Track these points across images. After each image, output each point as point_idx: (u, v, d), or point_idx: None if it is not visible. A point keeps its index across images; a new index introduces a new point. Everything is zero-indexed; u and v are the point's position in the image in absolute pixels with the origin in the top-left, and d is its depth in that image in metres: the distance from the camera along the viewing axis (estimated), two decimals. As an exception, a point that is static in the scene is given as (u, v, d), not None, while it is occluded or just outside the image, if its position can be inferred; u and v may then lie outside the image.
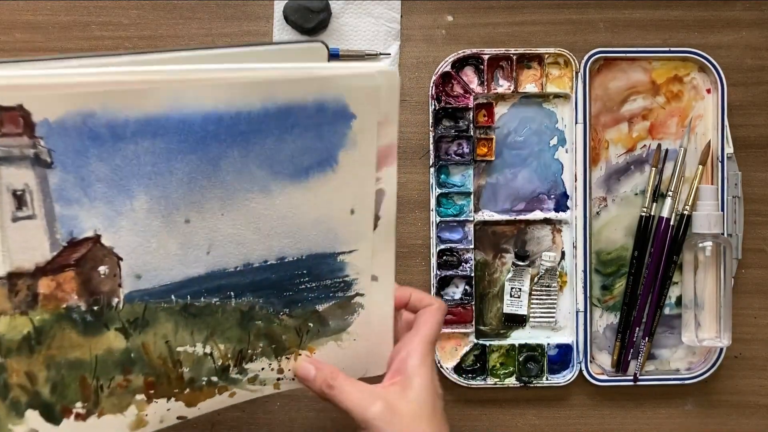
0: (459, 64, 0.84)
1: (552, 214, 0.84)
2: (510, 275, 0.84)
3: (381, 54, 0.85)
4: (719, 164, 0.82)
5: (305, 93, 0.60)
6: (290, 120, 0.61)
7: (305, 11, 0.83)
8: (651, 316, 0.84)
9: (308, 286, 0.69)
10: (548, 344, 0.84)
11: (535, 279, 0.84)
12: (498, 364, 0.84)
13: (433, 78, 0.83)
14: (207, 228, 0.62)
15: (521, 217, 0.85)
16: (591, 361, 0.84)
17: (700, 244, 0.81)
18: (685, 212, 0.82)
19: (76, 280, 0.59)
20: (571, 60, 0.83)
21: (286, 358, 0.69)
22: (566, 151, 0.85)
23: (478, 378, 0.84)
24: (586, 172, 0.83)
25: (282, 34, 0.85)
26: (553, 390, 0.84)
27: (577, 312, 0.84)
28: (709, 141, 0.83)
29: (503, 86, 0.84)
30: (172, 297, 0.63)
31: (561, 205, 0.85)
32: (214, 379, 0.67)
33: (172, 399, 0.66)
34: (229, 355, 0.67)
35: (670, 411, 0.86)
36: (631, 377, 0.84)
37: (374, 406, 0.65)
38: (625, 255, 0.84)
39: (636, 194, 0.84)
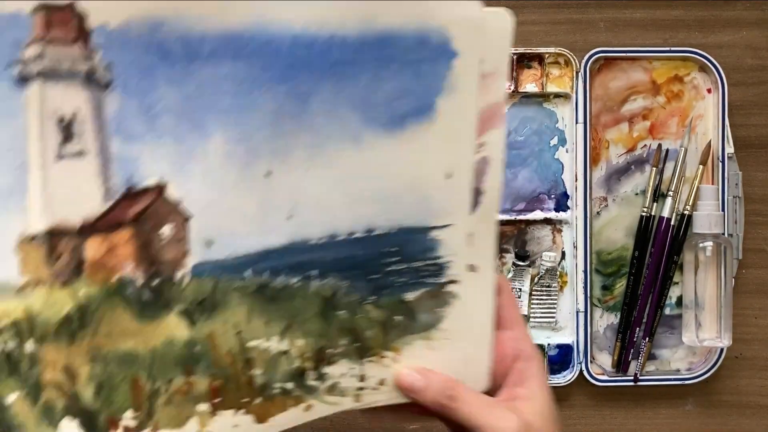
0: (459, 63, 0.72)
1: (552, 214, 0.76)
2: (510, 275, 0.74)
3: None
4: (720, 164, 0.76)
5: (407, 20, 0.44)
6: (388, 52, 0.45)
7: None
8: (651, 317, 0.76)
9: (397, 268, 0.50)
10: (548, 344, 0.75)
11: (536, 279, 0.75)
12: (499, 366, 0.72)
13: (433, 76, 0.71)
14: (290, 185, 0.45)
15: (521, 217, 0.75)
16: (591, 362, 0.75)
17: (701, 244, 0.74)
18: (686, 212, 0.75)
19: (134, 242, 0.42)
20: (572, 60, 0.75)
21: (369, 361, 0.51)
22: (566, 151, 0.76)
23: (480, 379, 0.71)
24: (587, 172, 0.75)
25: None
26: (553, 390, 0.72)
27: (577, 312, 0.75)
28: (710, 141, 0.76)
29: (503, 85, 0.73)
30: (247, 273, 0.45)
31: (561, 204, 0.76)
32: (289, 386, 0.48)
33: (241, 411, 0.47)
34: (307, 355, 0.48)
35: (671, 411, 0.78)
36: (632, 377, 0.76)
37: (510, 423, 0.51)
38: (626, 255, 0.76)
39: (636, 194, 0.76)
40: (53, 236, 0.39)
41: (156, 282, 0.41)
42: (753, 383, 0.79)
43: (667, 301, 0.76)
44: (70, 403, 0.41)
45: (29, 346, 0.40)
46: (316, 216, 0.45)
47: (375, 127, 0.45)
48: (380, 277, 0.49)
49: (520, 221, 0.74)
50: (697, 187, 0.75)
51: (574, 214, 0.74)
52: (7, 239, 0.39)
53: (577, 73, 0.74)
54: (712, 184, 0.75)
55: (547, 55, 0.75)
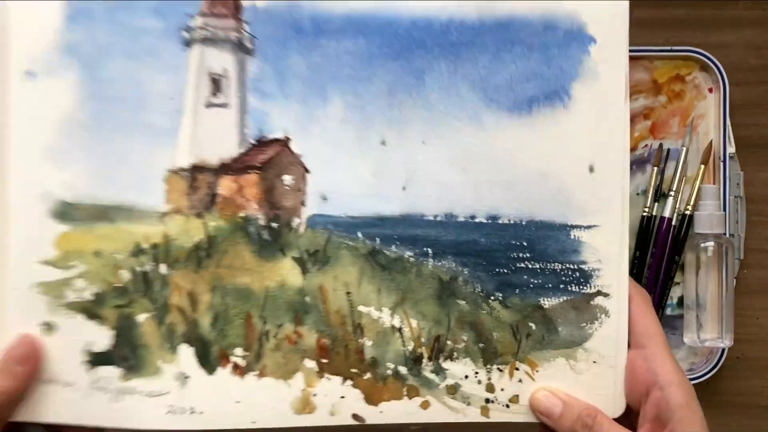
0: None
1: None
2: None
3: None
4: (721, 164, 0.99)
5: (531, 7, 0.66)
6: (510, 36, 0.66)
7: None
8: None
9: (529, 266, 0.67)
10: (550, 346, 0.99)
11: (537, 278, 0.98)
12: (500, 364, 0.97)
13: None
14: (405, 156, 0.67)
15: None
16: None
17: (702, 244, 0.98)
18: (687, 212, 0.99)
19: (259, 186, 0.66)
20: None
21: (498, 369, 0.67)
22: None
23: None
24: None
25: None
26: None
27: None
28: (711, 140, 0.99)
29: (503, 87, 0.99)
30: (359, 234, 0.67)
31: None
32: (403, 370, 0.67)
33: (349, 382, 0.67)
34: (422, 339, 0.67)
35: None
36: None
37: None
38: None
39: (638, 194, 1.00)
40: (195, 171, 0.64)
41: (275, 225, 0.65)
42: (755, 384, 1.03)
43: (669, 302, 0.99)
44: (189, 330, 0.65)
45: (163, 268, 0.64)
46: (432, 191, 0.66)
47: (496, 108, 0.66)
48: (508, 273, 0.67)
49: (522, 220, 0.98)
50: (699, 187, 0.98)
51: (576, 214, 0.93)
52: (157, 171, 0.63)
53: (577, 72, 0.98)
54: (714, 183, 0.99)
55: (547, 56, 0.99)
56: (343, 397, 0.67)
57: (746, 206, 1.01)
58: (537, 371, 0.67)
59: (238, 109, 0.66)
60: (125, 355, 0.66)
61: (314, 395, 0.67)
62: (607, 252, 0.67)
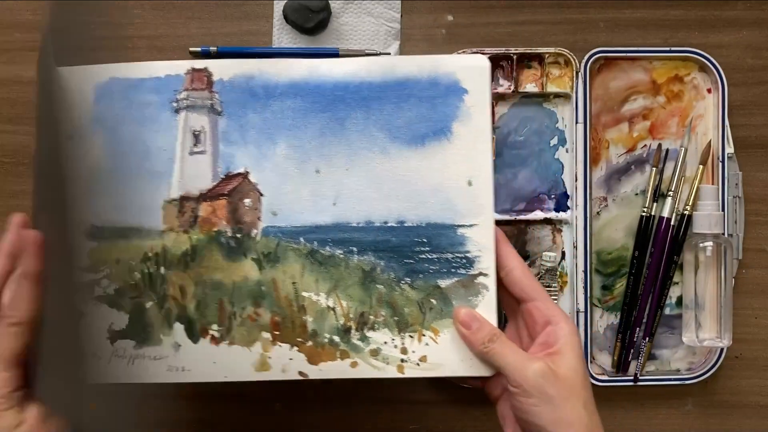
0: (459, 64, 1.81)
1: (552, 214, 1.85)
2: (510, 275, 1.75)
3: (381, 53, 1.94)
4: (720, 164, 1.73)
5: (420, 70, 1.70)
6: (406, 91, 1.69)
7: (305, 11, 1.88)
8: (651, 317, 1.85)
9: (429, 257, 1.59)
10: (549, 345, 1.67)
11: (536, 279, 1.68)
12: (500, 365, 2.03)
13: (434, 78, 1.80)
14: (334, 180, 1.72)
15: (521, 217, 1.88)
16: (591, 362, 1.82)
17: (701, 244, 1.72)
18: (686, 212, 1.76)
19: (227, 207, 1.80)
20: (572, 59, 1.86)
21: (410, 336, 1.62)
22: (567, 151, 1.87)
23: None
24: (587, 172, 1.83)
25: (282, 33, 1.98)
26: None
27: (577, 312, 1.83)
28: (710, 141, 1.75)
29: (503, 86, 1.90)
30: (301, 239, 1.73)
31: (561, 205, 1.84)
32: (336, 338, 1.66)
33: (295, 348, 1.70)
34: (351, 315, 1.64)
35: (671, 411, 1.80)
36: (632, 377, 1.80)
37: (535, 365, 1.43)
38: (626, 255, 1.84)
39: (636, 194, 1.80)
40: (182, 201, 1.84)
41: (239, 235, 1.84)
42: (753, 383, 1.77)
43: (667, 301, 1.80)
44: (180, 312, 1.85)
45: (162, 270, 1.85)
46: (355, 205, 1.74)
47: (399, 143, 1.73)
48: (414, 263, 1.73)
49: (520, 221, 1.89)
50: (697, 187, 1.73)
51: (574, 214, 1.81)
52: (157, 202, 1.84)
53: (577, 73, 1.84)
54: (712, 184, 1.72)
55: (547, 55, 1.87)
56: (291, 359, 1.69)
57: (745, 206, 1.70)
58: (439, 335, 1.60)
59: (212, 153, 1.70)
60: (138, 331, 1.74)
61: (269, 358, 1.70)
62: (485, 243, 1.60)
